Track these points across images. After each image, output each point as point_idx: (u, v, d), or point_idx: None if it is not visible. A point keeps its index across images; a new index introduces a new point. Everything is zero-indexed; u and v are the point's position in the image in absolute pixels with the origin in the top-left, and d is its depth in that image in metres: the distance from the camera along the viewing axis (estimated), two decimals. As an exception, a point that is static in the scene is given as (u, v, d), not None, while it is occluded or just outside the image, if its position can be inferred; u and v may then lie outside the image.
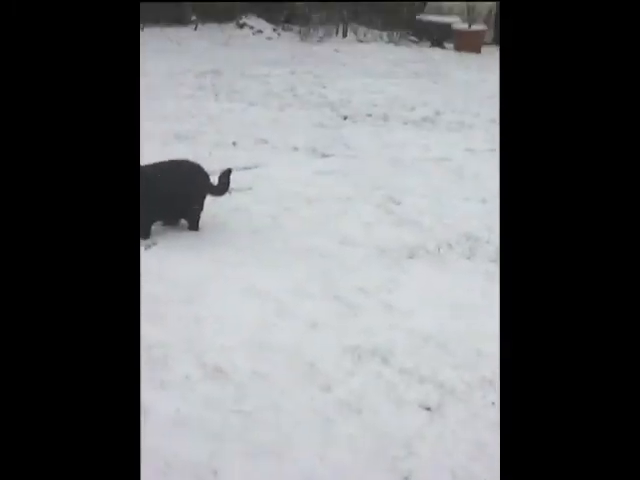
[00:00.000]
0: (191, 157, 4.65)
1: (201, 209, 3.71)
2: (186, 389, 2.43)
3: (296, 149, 5.18)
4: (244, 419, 2.33)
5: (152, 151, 4.02)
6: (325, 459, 2.19)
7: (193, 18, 10.22)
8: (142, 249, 3.38)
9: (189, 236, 3.64)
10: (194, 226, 3.69)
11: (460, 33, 10.02)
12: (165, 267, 3.22)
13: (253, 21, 10.10)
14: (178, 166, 3.63)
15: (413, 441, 2.28)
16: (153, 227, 3.61)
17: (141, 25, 8.99)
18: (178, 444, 2.16)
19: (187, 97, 6.57)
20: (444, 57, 9.74)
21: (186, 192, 3.58)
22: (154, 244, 3.50)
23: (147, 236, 3.51)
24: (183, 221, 3.72)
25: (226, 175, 3.79)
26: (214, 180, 3.78)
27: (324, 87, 7.24)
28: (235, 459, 2.16)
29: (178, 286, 3.06)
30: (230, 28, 9.96)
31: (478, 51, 9.90)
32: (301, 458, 2.19)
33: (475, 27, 10.04)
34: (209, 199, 3.79)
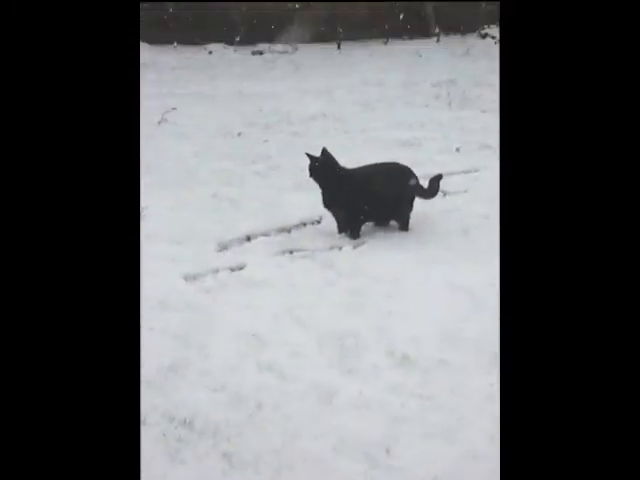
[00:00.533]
0: (415, 161, 4.80)
1: (410, 210, 3.80)
2: (372, 375, 2.53)
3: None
4: (423, 402, 2.37)
5: (374, 156, 4.24)
6: (494, 438, 2.15)
7: (436, 31, 10.36)
8: (350, 248, 3.57)
9: (398, 236, 3.75)
10: (404, 226, 3.79)
11: None
12: (370, 264, 3.38)
13: (495, 31, 9.94)
14: (388, 168, 3.77)
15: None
16: (364, 228, 3.77)
17: (384, 39, 9.45)
18: (356, 424, 2.28)
19: (421, 106, 6.73)
20: None
21: (396, 193, 3.70)
22: (363, 243, 3.66)
23: (357, 236, 3.69)
24: (393, 222, 3.83)
25: (436, 179, 3.86)
26: (425, 184, 3.86)
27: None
28: (408, 439, 2.21)
29: (379, 281, 3.19)
30: (472, 39, 9.92)
31: None
32: (472, 439, 2.18)
33: None
34: (422, 202, 3.88)
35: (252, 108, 6.77)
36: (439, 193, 4.29)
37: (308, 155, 3.64)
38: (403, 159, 4.89)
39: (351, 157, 4.11)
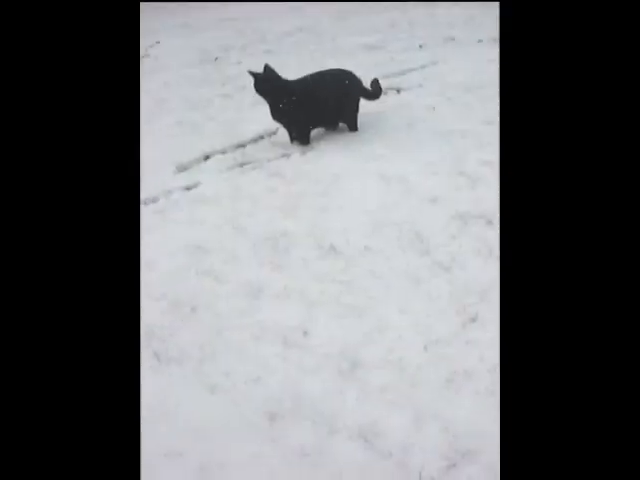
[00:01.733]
0: (376, 63, 4.75)
1: (356, 110, 3.81)
2: (300, 268, 2.64)
3: (480, 41, 4.91)
4: (341, 287, 2.47)
5: (337, 63, 4.24)
6: (403, 311, 2.24)
7: None
8: (298, 155, 3.62)
9: (346, 137, 3.78)
10: (352, 127, 3.83)
11: None
12: (314, 167, 3.43)
13: None
14: (328, 75, 3.78)
15: (488, 291, 2.22)
16: (315, 133, 3.81)
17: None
18: (278, 314, 2.40)
19: (396, 8, 6.57)
20: None
21: (338, 97, 3.72)
22: (312, 149, 3.71)
23: (307, 142, 3.74)
24: (343, 124, 3.84)
25: (375, 82, 3.84)
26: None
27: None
28: (323, 321, 2.32)
29: (319, 182, 3.25)
30: None
31: None
32: (382, 313, 2.28)
33: None
34: (376, 101, 3.88)
35: (233, 32, 6.71)
36: (393, 90, 4.26)
37: (250, 73, 3.65)
38: (364, 62, 4.88)
39: (316, 67, 4.10)
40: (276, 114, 3.70)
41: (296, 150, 3.71)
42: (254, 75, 3.64)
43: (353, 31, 6.05)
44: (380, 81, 4.10)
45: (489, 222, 2.70)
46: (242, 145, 3.89)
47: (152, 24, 7.24)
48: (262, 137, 3.96)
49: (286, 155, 3.67)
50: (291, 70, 4.56)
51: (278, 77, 3.66)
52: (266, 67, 3.63)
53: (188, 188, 3.43)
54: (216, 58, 5.82)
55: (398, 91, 4.34)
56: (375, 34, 5.81)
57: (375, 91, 3.86)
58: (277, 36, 6.26)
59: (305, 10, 7.24)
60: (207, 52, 6.09)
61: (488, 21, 5.37)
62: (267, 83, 3.62)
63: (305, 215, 2.98)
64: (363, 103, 3.88)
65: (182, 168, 3.67)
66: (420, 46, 5.13)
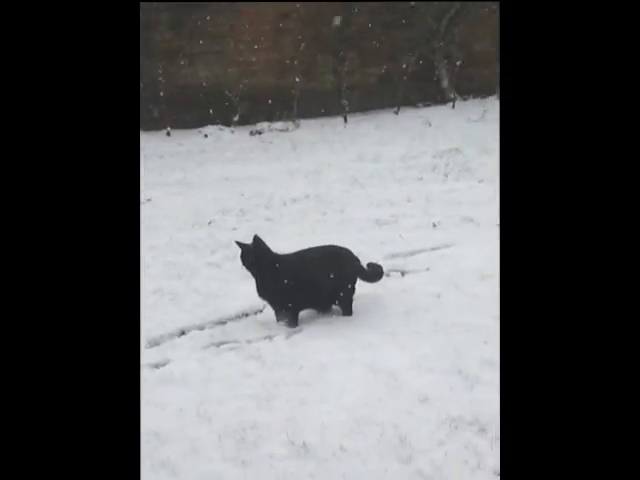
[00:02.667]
0: (383, 240, 5.16)
1: (352, 293, 4.12)
2: (265, 466, 2.82)
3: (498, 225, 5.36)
4: (307, 492, 2.65)
5: (344, 238, 4.62)
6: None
7: (452, 96, 10.88)
8: (283, 337, 3.89)
9: (338, 321, 4.06)
10: (346, 311, 4.11)
11: None
12: (298, 353, 3.68)
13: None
14: (323, 252, 4.11)
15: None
16: (305, 314, 4.10)
17: (396, 108, 9.90)
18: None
19: (414, 180, 7.15)
20: None
21: (333, 277, 4.02)
22: (300, 331, 3.98)
23: (295, 324, 4.01)
24: (337, 307, 4.15)
25: (375, 266, 4.21)
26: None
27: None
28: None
29: (302, 369, 3.48)
30: (491, 101, 10.37)
31: None
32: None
33: None
34: (376, 283, 4.23)
35: (233, 193, 7.28)
36: (397, 273, 4.62)
37: (238, 243, 4.02)
38: (371, 238, 5.29)
39: (317, 240, 4.49)
40: (262, 291, 4.03)
41: (281, 332, 3.97)
42: (241, 246, 4.01)
43: (365, 202, 6.55)
44: (384, 262, 4.47)
45: (482, 429, 2.88)
46: (223, 322, 4.17)
47: (148, 179, 7.89)
48: (246, 314, 4.25)
49: (269, 337, 3.93)
50: (287, 241, 4.97)
51: (267, 250, 4.02)
52: (255, 238, 4.01)
53: (156, 366, 3.68)
54: (210, 222, 6.31)
55: (402, 274, 4.68)
56: (388, 207, 6.30)
57: (373, 274, 4.21)
58: (282, 202, 6.80)
59: (322, 174, 7.89)
60: (202, 214, 6.60)
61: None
62: (254, 256, 3.97)
63: (280, 406, 3.19)
64: (362, 285, 4.21)
65: (153, 343, 3.95)
66: (434, 225, 5.56)
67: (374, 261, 4.29)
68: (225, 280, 4.80)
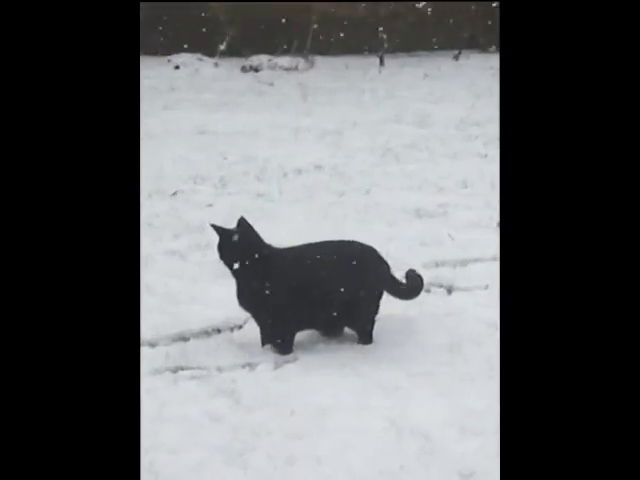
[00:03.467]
0: (424, 240, 5.17)
1: (375, 313, 4.13)
2: None
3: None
4: None
5: (366, 232, 4.64)
6: None
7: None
8: (270, 366, 3.91)
9: (350, 351, 4.07)
10: (364, 337, 4.13)
11: None
12: (289, 390, 3.69)
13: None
14: (339, 250, 4.12)
15: None
16: (304, 336, 4.13)
17: (454, 52, 9.89)
18: None
19: (475, 156, 7.19)
20: None
21: (349, 287, 4.02)
22: (295, 360, 4.00)
23: (288, 350, 4.02)
24: (350, 330, 4.17)
25: (414, 275, 4.23)
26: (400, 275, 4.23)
27: None
28: None
29: (293, 415, 3.50)
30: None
31: None
32: None
33: None
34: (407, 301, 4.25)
35: (211, 154, 7.31)
36: (440, 288, 4.63)
37: (215, 228, 4.02)
38: (407, 235, 5.31)
39: (328, 232, 4.53)
40: (245, 298, 4.02)
41: (267, 359, 3.98)
42: (219, 231, 4.02)
43: (401, 183, 6.55)
44: (424, 271, 4.46)
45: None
46: (184, 338, 4.19)
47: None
48: (218, 330, 4.27)
49: (250, 365, 3.95)
50: (285, 230, 4.98)
51: (257, 241, 4.02)
52: (241, 222, 4.01)
53: (84, 393, 3.72)
54: (175, 192, 6.32)
55: (449, 291, 4.68)
56: (434, 193, 6.30)
57: (410, 288, 4.21)
58: (281, 172, 6.81)
59: (342, 137, 7.88)
60: (165, 179, 6.62)
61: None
62: (238, 247, 3.98)
63: (259, 465, 3.18)
64: (389, 301, 4.22)
65: (82, 359, 3.99)
66: (499, 224, 5.57)
67: (410, 268, 4.29)
68: (191, 278, 4.82)
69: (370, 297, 4.11)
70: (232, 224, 4.06)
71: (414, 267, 4.38)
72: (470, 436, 3.38)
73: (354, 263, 4.07)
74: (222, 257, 4.03)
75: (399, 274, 4.28)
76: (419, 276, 4.23)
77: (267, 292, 3.97)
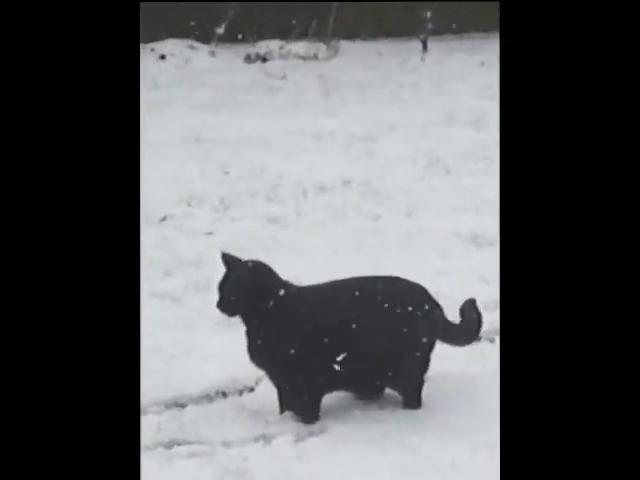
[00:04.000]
0: (484, 274, 5.16)
1: (424, 369, 4.13)
2: None
3: None
4: None
5: (407, 267, 4.60)
6: None
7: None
8: (290, 440, 3.91)
9: (394, 419, 4.06)
10: (412, 401, 4.13)
11: None
12: (316, 473, 3.67)
13: None
14: (376, 289, 4.12)
15: None
16: (334, 398, 4.12)
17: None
18: None
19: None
20: None
21: (392, 337, 4.03)
22: (321, 432, 3.99)
23: (313, 417, 4.02)
24: (392, 391, 4.16)
25: (471, 307, 4.21)
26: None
27: None
28: None
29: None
30: None
31: None
32: None
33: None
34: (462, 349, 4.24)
35: (209, 167, 7.33)
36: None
37: (225, 259, 4.01)
38: (461, 268, 5.29)
39: (361, 267, 4.57)
40: (259, 351, 4.01)
41: (287, 430, 3.97)
42: (232, 264, 3.99)
43: (456, 201, 6.56)
44: (487, 314, 4.44)
45: None
46: (180, 404, 4.20)
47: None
48: (224, 393, 4.27)
49: (265, 437, 3.93)
50: (308, 267, 4.96)
51: (274, 277, 4.02)
52: (255, 266, 3.98)
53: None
54: (164, 217, 6.33)
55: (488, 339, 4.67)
56: (496, 214, 6.31)
57: (463, 330, 4.21)
58: (299, 189, 6.81)
59: (376, 144, 7.88)
60: (151, 201, 6.62)
61: None
62: (252, 288, 3.94)
63: None
64: (440, 355, 4.21)
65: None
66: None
67: (466, 300, 4.29)
68: (187, 326, 4.83)
69: (418, 349, 4.11)
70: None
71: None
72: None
73: (397, 306, 4.07)
74: (221, 303, 4.00)
75: (453, 317, 4.27)
76: (476, 310, 4.21)
77: (286, 343, 3.96)
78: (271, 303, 3.96)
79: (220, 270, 4.05)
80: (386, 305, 4.05)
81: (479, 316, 4.22)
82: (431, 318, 4.12)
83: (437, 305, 4.14)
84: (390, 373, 4.10)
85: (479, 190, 6.80)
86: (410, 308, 4.08)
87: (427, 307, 4.12)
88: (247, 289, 3.95)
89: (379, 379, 4.14)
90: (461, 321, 4.21)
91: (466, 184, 6.95)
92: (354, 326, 4.00)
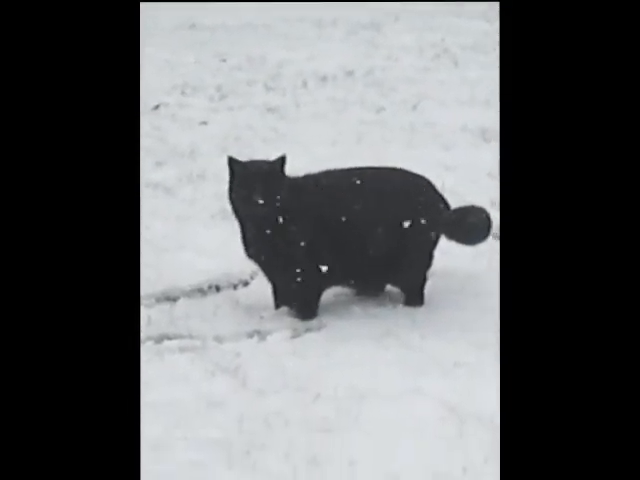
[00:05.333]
0: (493, 170, 5.13)
1: (429, 264, 4.13)
2: None
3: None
4: None
5: (415, 158, 4.56)
6: None
7: None
8: (287, 335, 3.93)
9: (394, 316, 4.07)
10: (414, 298, 4.14)
11: None
12: (314, 370, 3.68)
13: None
14: (380, 179, 4.11)
15: None
16: (331, 297, 4.12)
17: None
18: None
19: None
20: None
21: (396, 229, 4.02)
22: (319, 328, 4.00)
23: (312, 313, 4.03)
24: (393, 287, 4.17)
25: (479, 213, 4.18)
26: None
27: None
28: None
29: (318, 403, 3.47)
30: None
31: None
32: None
33: None
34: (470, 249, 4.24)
35: (204, 55, 7.27)
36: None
37: (232, 162, 3.91)
38: (469, 164, 5.26)
39: (368, 158, 4.51)
40: (255, 244, 4.01)
41: (283, 326, 3.99)
42: (234, 166, 3.93)
43: (464, 93, 6.52)
44: (495, 212, 4.42)
45: None
46: (171, 298, 4.21)
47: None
48: (217, 288, 4.28)
49: (260, 333, 3.95)
50: (307, 159, 4.90)
51: (279, 173, 3.97)
52: (278, 161, 3.96)
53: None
54: (157, 106, 6.28)
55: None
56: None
57: (470, 228, 4.17)
58: (299, 79, 6.75)
59: (381, 33, 7.79)
60: (144, 89, 6.57)
61: None
62: (263, 184, 3.87)
63: (270, 470, 3.15)
64: (445, 252, 4.20)
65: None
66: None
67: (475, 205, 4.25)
68: (180, 218, 4.81)
69: (421, 242, 4.10)
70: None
71: (480, 205, 4.32)
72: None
73: (399, 196, 4.06)
74: (241, 199, 3.93)
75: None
76: (483, 212, 4.18)
77: (283, 234, 3.93)
78: (279, 190, 3.91)
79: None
80: (387, 195, 4.05)
81: (485, 217, 4.18)
82: (434, 210, 4.11)
83: (441, 197, 4.10)
84: (391, 267, 4.09)
85: (489, 83, 6.73)
86: (412, 198, 4.07)
87: (430, 198, 4.11)
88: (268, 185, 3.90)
89: (379, 274, 4.12)
90: (464, 219, 4.18)
91: (474, 77, 6.88)
92: (353, 215, 3.99)
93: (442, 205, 4.13)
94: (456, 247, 4.23)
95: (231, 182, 3.92)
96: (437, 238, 4.12)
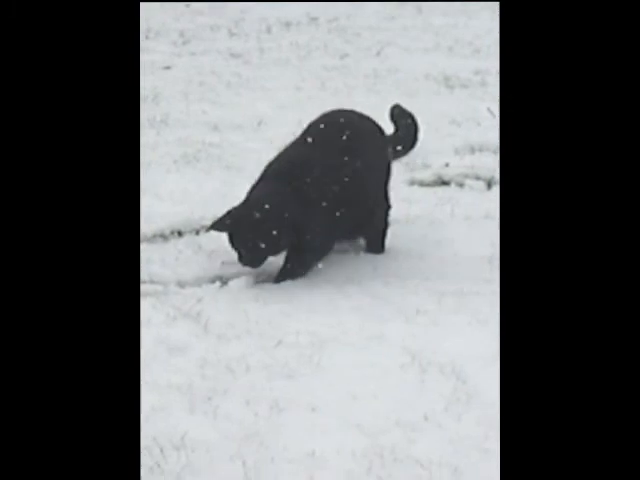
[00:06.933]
0: (455, 117, 5.13)
1: (387, 206, 4.14)
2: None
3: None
4: None
5: (378, 105, 4.56)
6: None
7: None
8: (250, 280, 3.96)
9: (355, 264, 4.10)
10: (374, 244, 4.16)
11: None
12: (275, 315, 3.71)
13: None
14: (332, 124, 4.12)
15: None
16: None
17: None
18: None
19: None
20: None
21: (352, 174, 4.01)
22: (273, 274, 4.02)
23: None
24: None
25: (400, 112, 4.26)
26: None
27: None
28: None
29: (280, 348, 3.50)
30: None
31: None
32: None
33: None
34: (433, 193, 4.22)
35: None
36: (478, 181, 4.61)
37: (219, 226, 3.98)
38: (433, 112, 5.26)
39: (332, 106, 4.47)
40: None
41: (245, 271, 3.98)
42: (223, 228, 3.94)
43: (428, 40, 6.49)
44: (458, 159, 4.43)
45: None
46: (133, 242, 4.21)
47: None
48: (179, 233, 4.30)
49: (222, 279, 3.98)
50: (270, 105, 4.91)
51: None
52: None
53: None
54: None
55: (489, 185, 4.63)
56: (471, 56, 6.23)
57: (405, 136, 4.22)
58: (262, 24, 6.72)
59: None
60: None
61: None
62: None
63: (231, 415, 3.17)
64: (406, 200, 4.20)
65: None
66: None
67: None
68: (143, 164, 4.68)
69: (375, 185, 4.13)
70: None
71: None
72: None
73: (347, 140, 4.07)
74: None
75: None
76: (407, 114, 4.26)
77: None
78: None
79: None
80: (341, 145, 4.07)
81: (413, 119, 4.24)
82: (383, 149, 4.18)
83: (378, 129, 4.19)
84: (353, 219, 4.09)
85: (452, 30, 6.74)
86: (364, 142, 4.12)
87: (378, 141, 4.18)
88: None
89: (361, 221, 4.12)
90: (397, 130, 4.26)
91: (439, 24, 6.87)
92: (313, 176, 4.01)
93: (384, 135, 4.21)
94: (419, 194, 4.22)
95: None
96: (388, 177, 4.16)
